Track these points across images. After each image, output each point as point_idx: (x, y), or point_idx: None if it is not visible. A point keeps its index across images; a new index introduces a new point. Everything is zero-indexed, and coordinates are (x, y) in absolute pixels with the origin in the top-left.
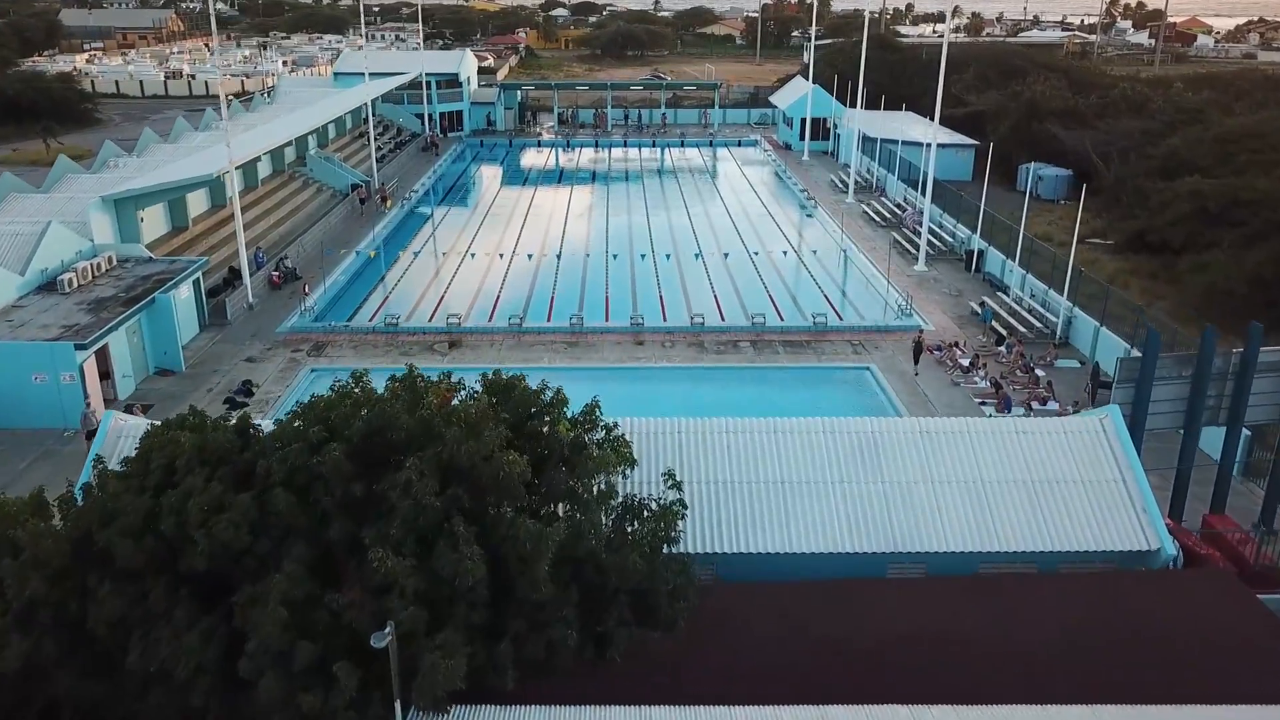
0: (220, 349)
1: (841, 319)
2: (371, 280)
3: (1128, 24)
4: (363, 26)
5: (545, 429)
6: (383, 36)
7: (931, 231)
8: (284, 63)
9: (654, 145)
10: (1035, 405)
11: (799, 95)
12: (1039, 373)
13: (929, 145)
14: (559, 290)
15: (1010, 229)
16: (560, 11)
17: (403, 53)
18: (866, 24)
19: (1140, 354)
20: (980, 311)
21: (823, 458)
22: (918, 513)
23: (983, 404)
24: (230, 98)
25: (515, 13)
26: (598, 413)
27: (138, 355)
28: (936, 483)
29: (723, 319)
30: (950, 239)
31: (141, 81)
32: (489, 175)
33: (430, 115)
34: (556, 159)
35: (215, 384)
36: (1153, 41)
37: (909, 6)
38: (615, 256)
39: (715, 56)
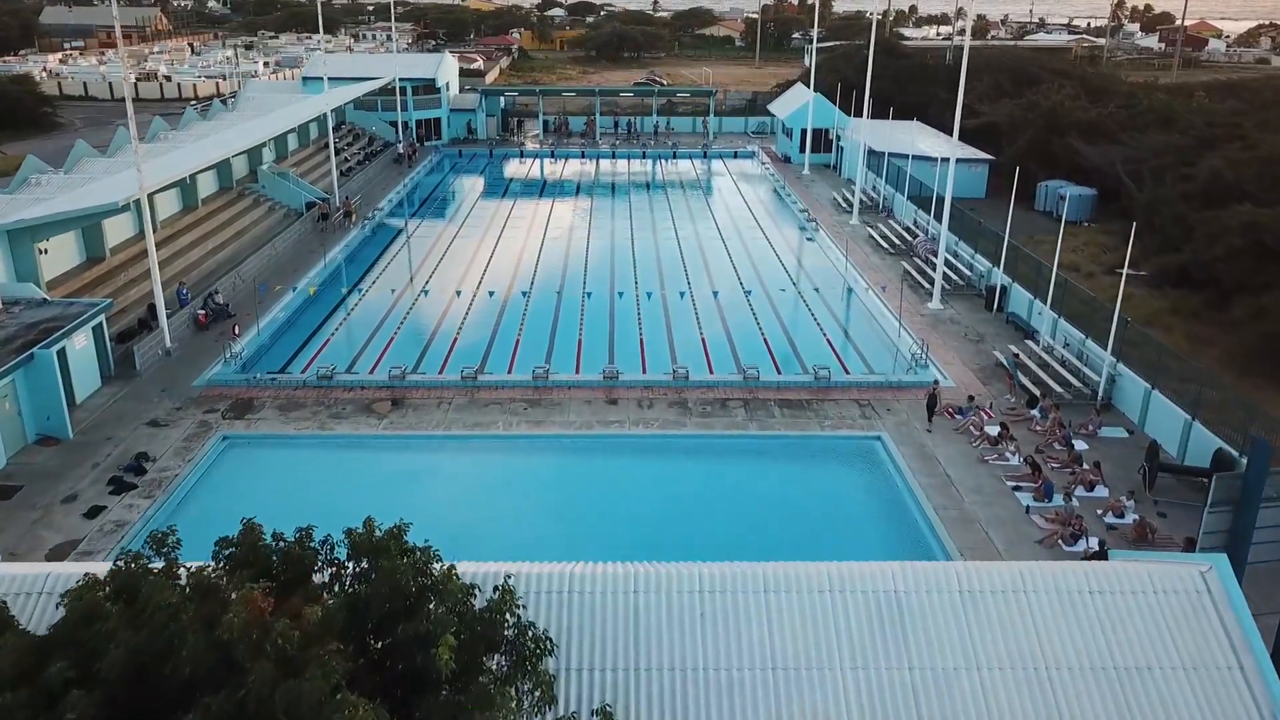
0: (122, 408)
1: (847, 371)
2: (313, 320)
3: (1135, 27)
4: (318, 30)
5: (425, 626)
6: (373, 36)
7: (946, 262)
8: (264, 64)
9: (644, 157)
10: (1080, 491)
11: (799, 104)
12: (1080, 445)
13: (942, 161)
14: (525, 334)
15: (1039, 265)
16: (557, 11)
17: (377, 55)
18: (874, 27)
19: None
20: (1006, 363)
21: (830, 628)
22: (961, 715)
23: (1017, 488)
24: (196, 102)
25: (511, 13)
26: (507, 611)
27: (10, 423)
28: (985, 669)
29: (711, 370)
30: (968, 271)
31: (111, 84)
32: (464, 189)
33: (406, 123)
34: (540, 171)
35: (105, 456)
36: (1163, 45)
37: (912, 8)
38: (590, 294)
39: (714, 58)
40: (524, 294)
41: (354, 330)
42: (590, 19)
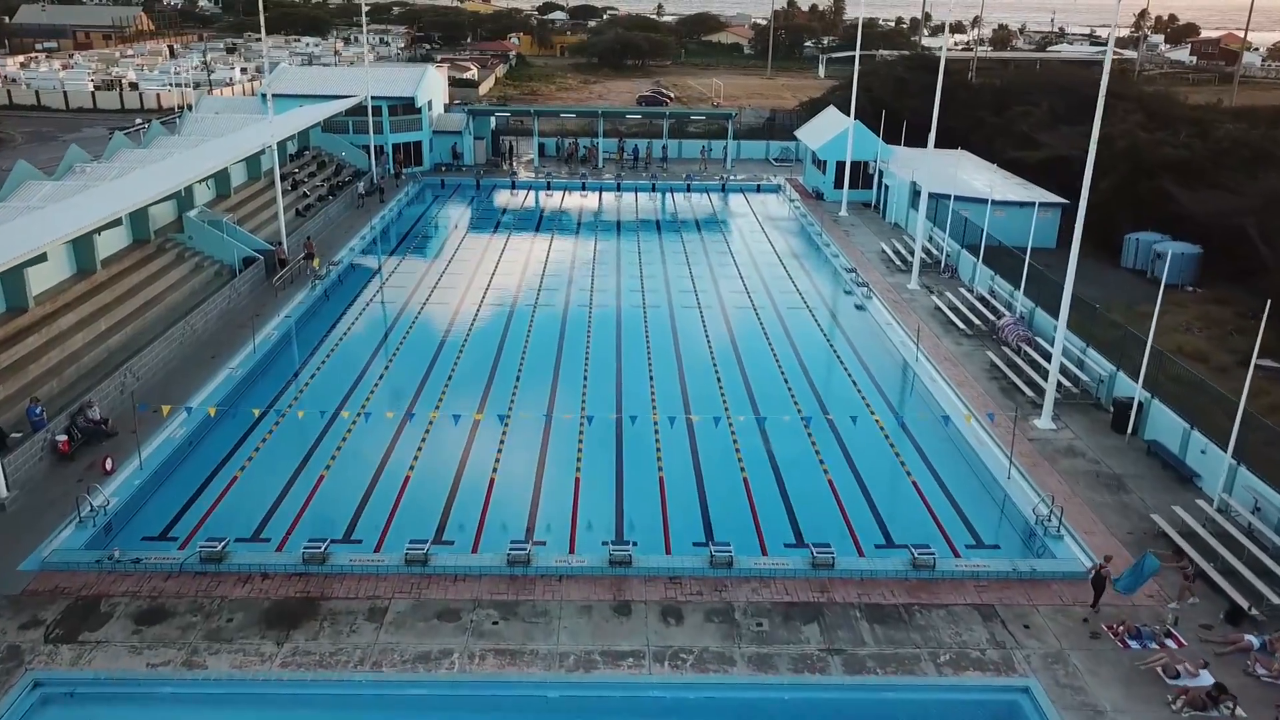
0: None
1: (953, 547)
2: (217, 449)
3: (1159, 38)
4: (308, 33)
5: None
6: (364, 39)
7: (1037, 345)
8: (241, 70)
9: (654, 190)
10: None
11: (834, 133)
12: None
13: (1016, 207)
14: (499, 484)
15: (1198, 381)
16: (558, 15)
17: (348, 69)
18: (947, 35)
19: None
20: (1172, 540)
21: None
22: None
23: None
24: (157, 116)
25: (510, 16)
26: None
27: None
28: None
29: (763, 545)
30: (1077, 369)
31: (66, 93)
32: (442, 233)
33: (381, 148)
34: (534, 205)
35: None
36: (1194, 59)
37: (926, 15)
38: (591, 419)
39: (722, 67)
40: (501, 417)
41: (269, 469)
42: (592, 23)
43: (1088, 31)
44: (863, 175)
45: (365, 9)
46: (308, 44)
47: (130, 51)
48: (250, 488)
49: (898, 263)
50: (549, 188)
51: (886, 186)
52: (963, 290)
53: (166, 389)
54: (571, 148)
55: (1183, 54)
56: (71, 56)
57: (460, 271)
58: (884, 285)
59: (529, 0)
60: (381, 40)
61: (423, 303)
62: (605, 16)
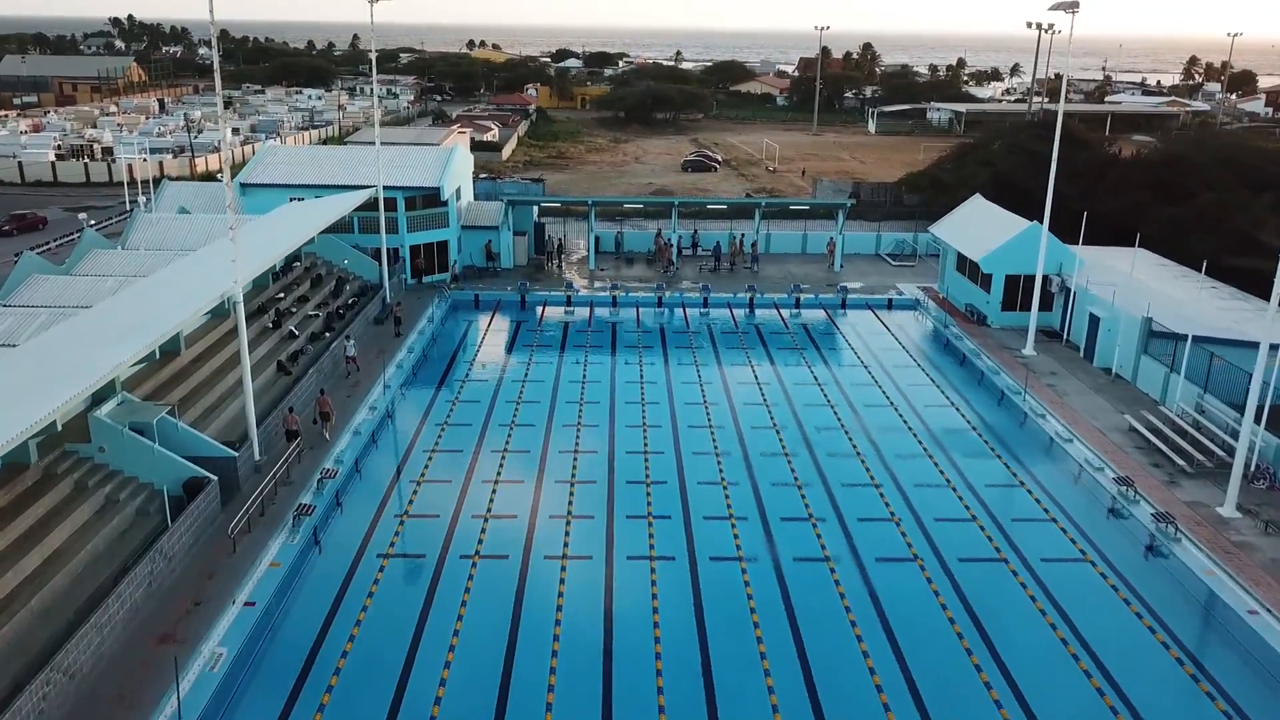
0: None
1: None
2: None
3: (1216, 86)
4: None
5: None
6: (372, 90)
7: None
8: (234, 131)
9: (752, 307)
10: None
11: (1001, 237)
12: None
13: None
14: None
15: None
16: (572, 63)
17: (352, 149)
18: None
19: None
20: None
21: None
22: None
23: None
24: (128, 195)
25: (525, 65)
26: None
27: None
28: None
29: None
30: None
31: (21, 164)
32: (483, 401)
33: (397, 251)
34: (603, 336)
35: None
36: (1269, 110)
37: (960, 62)
38: None
39: (759, 122)
40: None
41: None
42: (608, 71)
43: (1139, 80)
44: (1024, 284)
45: (373, 55)
46: (310, 96)
47: (113, 108)
48: None
49: (1166, 450)
50: (615, 304)
51: (1090, 314)
52: None
53: None
54: (663, 247)
55: (1257, 105)
56: (46, 114)
57: (518, 474)
58: (1176, 505)
59: (540, 46)
60: (389, 92)
61: (472, 560)
62: (621, 65)
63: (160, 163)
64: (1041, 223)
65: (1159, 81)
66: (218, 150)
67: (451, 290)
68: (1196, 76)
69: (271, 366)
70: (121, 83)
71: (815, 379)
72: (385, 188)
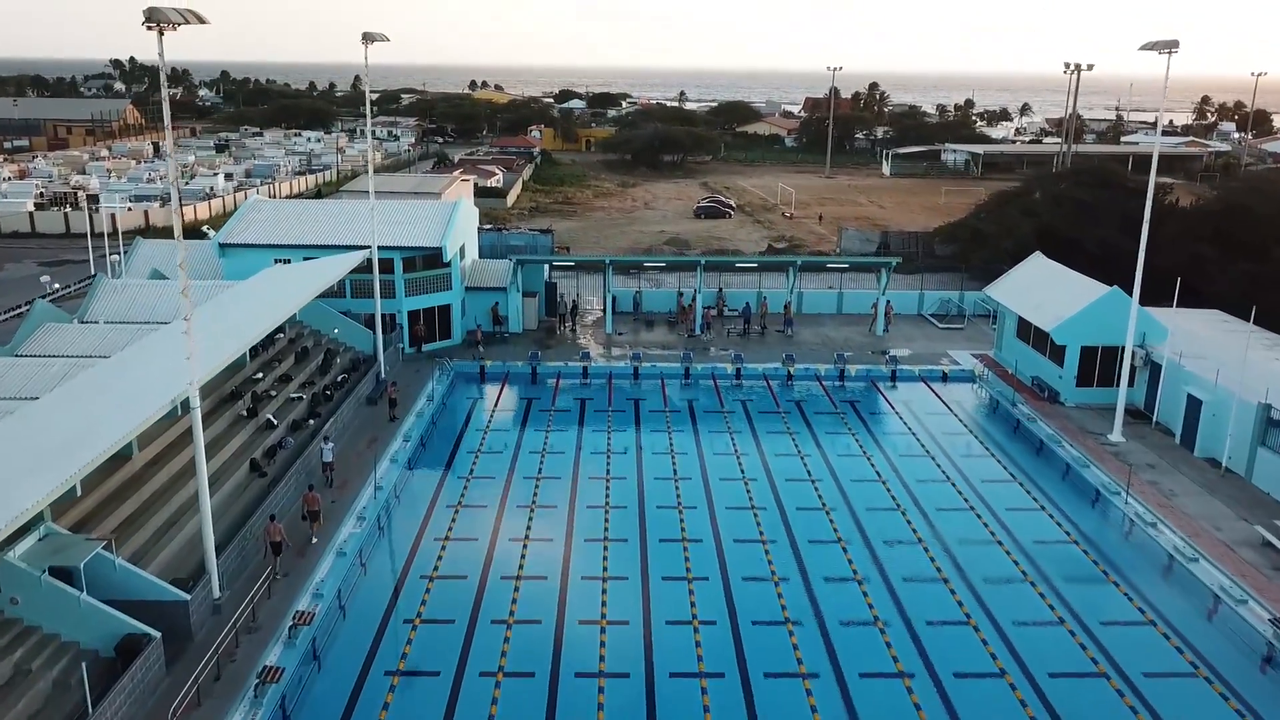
0: None
1: None
2: None
3: (1230, 126)
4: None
5: None
6: (372, 133)
7: None
8: (226, 177)
9: (790, 378)
10: None
11: (1074, 304)
12: None
13: None
14: None
15: None
16: (575, 103)
17: (345, 203)
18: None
19: None
20: None
21: None
22: None
23: None
24: (110, 247)
25: (528, 106)
26: None
27: None
28: None
29: None
30: None
31: None
32: (490, 504)
33: (394, 317)
34: (624, 415)
35: None
36: None
37: (969, 102)
38: None
39: (768, 164)
40: None
41: None
42: (611, 112)
43: (1152, 119)
44: (1102, 356)
45: (369, 97)
46: (308, 139)
47: (104, 152)
48: None
49: None
50: (637, 376)
51: (1187, 395)
52: None
53: None
54: (686, 309)
55: (1277, 145)
56: (34, 159)
57: (537, 610)
58: None
59: (542, 86)
60: (390, 133)
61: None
62: (624, 105)
63: (145, 212)
64: (1122, 286)
65: (1171, 120)
66: (208, 198)
67: (480, 357)
68: (1209, 116)
69: (244, 465)
70: (116, 125)
71: (878, 475)
72: (381, 248)
